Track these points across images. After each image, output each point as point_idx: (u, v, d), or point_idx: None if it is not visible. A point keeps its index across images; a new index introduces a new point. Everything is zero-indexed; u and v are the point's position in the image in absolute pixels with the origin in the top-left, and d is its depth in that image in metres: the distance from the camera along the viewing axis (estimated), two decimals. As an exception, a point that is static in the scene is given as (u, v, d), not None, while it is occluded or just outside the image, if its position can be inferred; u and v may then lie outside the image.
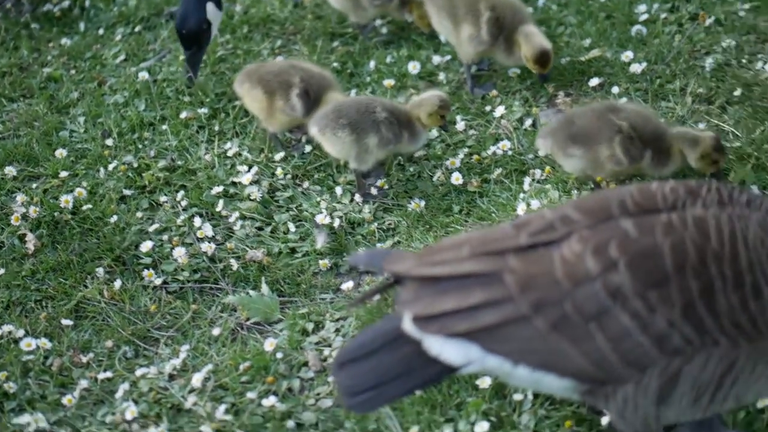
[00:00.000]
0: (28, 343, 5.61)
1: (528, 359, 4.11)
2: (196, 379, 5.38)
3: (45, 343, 5.64)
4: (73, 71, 8.06)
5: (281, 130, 6.99)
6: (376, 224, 6.37)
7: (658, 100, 6.95)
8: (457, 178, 6.51)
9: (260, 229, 6.48)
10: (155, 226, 6.49)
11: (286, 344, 5.58)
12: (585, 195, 4.39)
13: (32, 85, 7.94)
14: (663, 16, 7.59)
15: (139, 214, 6.59)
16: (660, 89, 7.05)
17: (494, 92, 7.22)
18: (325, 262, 6.17)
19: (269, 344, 5.50)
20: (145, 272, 6.15)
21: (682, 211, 4.12)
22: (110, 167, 6.97)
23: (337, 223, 6.34)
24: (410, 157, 6.82)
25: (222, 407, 5.19)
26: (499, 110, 6.98)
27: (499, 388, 5.08)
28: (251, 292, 5.97)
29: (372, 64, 7.64)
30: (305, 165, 6.87)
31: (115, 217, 6.52)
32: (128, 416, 5.19)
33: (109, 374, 5.54)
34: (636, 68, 7.14)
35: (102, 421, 5.27)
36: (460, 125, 6.94)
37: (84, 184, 6.80)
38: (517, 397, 5.00)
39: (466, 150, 6.77)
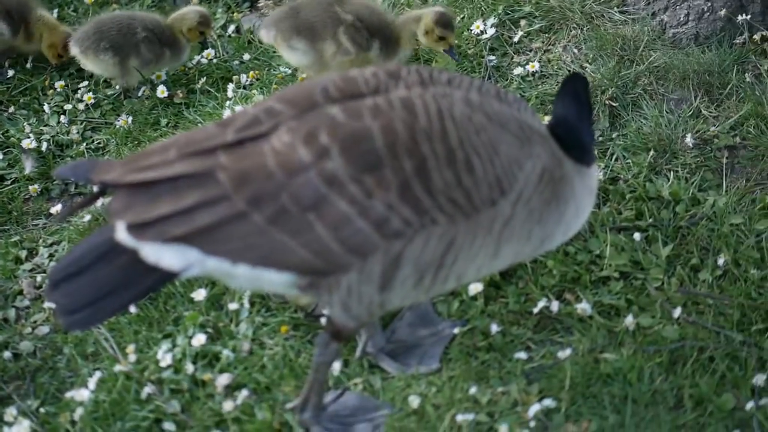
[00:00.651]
0: None
1: (247, 257, 3.99)
2: None
3: None
4: None
5: None
6: (84, 145, 6.33)
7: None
8: (162, 91, 6.51)
9: (-35, 158, 6.35)
10: None
11: (-1, 274, 5.54)
12: (286, 87, 4.34)
13: None
14: None
15: None
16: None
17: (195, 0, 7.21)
18: (35, 188, 6.10)
19: (-19, 276, 5.45)
20: None
21: (386, 93, 4.13)
22: None
23: (44, 146, 6.26)
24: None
25: (-68, 345, 5.12)
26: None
27: (215, 299, 5.19)
28: (-40, 224, 5.87)
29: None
30: (10, 90, 6.72)
31: None
32: None
33: None
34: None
35: None
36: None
37: None
38: (233, 306, 5.10)
39: (170, 62, 6.76)
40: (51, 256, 5.62)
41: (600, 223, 5.28)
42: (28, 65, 6.93)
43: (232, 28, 7.04)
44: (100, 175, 4.06)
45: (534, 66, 6.26)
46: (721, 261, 5.06)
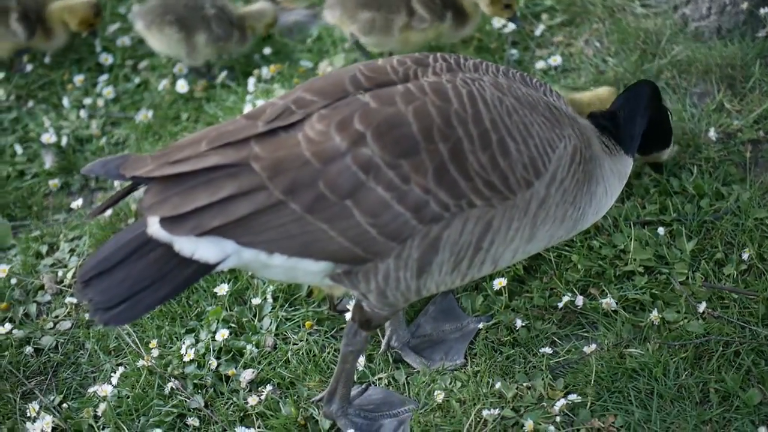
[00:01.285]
0: None
1: (284, 246, 3.96)
2: (-71, 314, 5.29)
3: None
4: None
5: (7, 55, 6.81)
6: (104, 139, 6.32)
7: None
8: (182, 86, 6.50)
9: (-14, 153, 6.36)
10: None
11: (20, 269, 5.52)
12: (312, 78, 4.32)
13: None
14: None
15: None
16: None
17: None
18: (55, 183, 6.10)
19: (2, 270, 5.43)
20: None
21: (416, 80, 4.16)
22: None
23: (64, 141, 6.26)
24: (134, 67, 6.77)
25: (-43, 339, 5.12)
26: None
27: (238, 294, 5.19)
28: (-20, 219, 5.87)
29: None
30: (29, 84, 6.72)
31: None
32: None
33: None
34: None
35: None
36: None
37: None
38: (256, 301, 5.10)
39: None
40: (72, 251, 5.63)
41: (624, 217, 5.25)
42: (47, 60, 6.93)
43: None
44: (132, 170, 4.01)
45: (556, 60, 6.24)
46: (745, 255, 5.03)
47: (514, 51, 6.43)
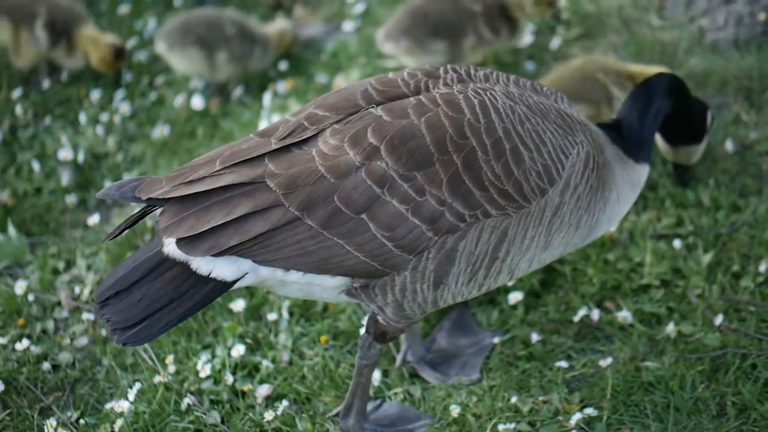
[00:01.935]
0: None
1: (300, 263, 3.97)
2: (-53, 330, 5.31)
3: None
4: None
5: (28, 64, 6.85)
6: (121, 155, 6.35)
7: None
8: (197, 102, 6.52)
9: (4, 170, 6.37)
10: None
11: (38, 285, 5.54)
12: (324, 94, 4.35)
13: None
14: None
15: None
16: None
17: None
18: (72, 199, 6.13)
19: (20, 287, 5.44)
20: None
21: (427, 92, 4.17)
22: None
23: (81, 157, 6.28)
24: (151, 84, 6.80)
25: (-27, 356, 5.14)
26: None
27: (254, 310, 5.20)
28: (-2, 236, 5.90)
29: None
30: (46, 101, 6.76)
31: None
32: None
33: None
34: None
35: None
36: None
37: None
38: (272, 317, 5.11)
39: (205, 72, 6.78)
40: (89, 267, 5.64)
41: (640, 230, 5.23)
42: (64, 76, 6.96)
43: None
44: (147, 192, 4.02)
45: (571, 73, 6.21)
46: (762, 268, 5.00)
47: (530, 64, 6.42)
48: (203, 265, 3.98)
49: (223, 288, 4.02)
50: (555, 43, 6.53)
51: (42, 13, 6.64)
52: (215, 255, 3.92)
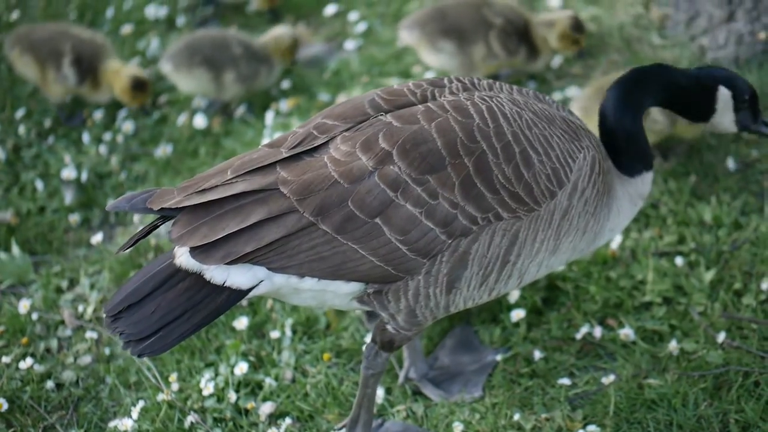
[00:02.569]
0: None
1: (315, 269, 3.99)
2: (-51, 349, 5.31)
3: None
4: None
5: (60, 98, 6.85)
6: (124, 174, 6.37)
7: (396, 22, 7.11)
8: (200, 121, 6.53)
9: (7, 189, 6.39)
10: None
11: (41, 304, 5.55)
12: (331, 106, 4.37)
13: None
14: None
15: None
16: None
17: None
18: (75, 218, 6.14)
19: (23, 306, 5.45)
20: None
21: (434, 100, 4.22)
22: None
23: (84, 177, 6.30)
24: (154, 103, 6.83)
25: (-23, 375, 5.14)
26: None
27: (257, 328, 5.20)
28: (2, 255, 5.89)
29: None
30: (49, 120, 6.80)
31: None
32: None
33: None
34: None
35: None
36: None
37: None
38: (275, 334, 5.11)
39: (208, 92, 6.80)
40: (92, 285, 5.65)
41: (642, 248, 5.25)
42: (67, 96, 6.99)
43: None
44: (159, 202, 4.03)
45: (573, 91, 6.24)
46: (764, 285, 5.02)
47: (531, 83, 6.44)
48: (217, 274, 3.99)
49: (238, 297, 4.03)
50: (556, 61, 6.55)
51: (68, 50, 6.64)
52: (230, 263, 3.94)
